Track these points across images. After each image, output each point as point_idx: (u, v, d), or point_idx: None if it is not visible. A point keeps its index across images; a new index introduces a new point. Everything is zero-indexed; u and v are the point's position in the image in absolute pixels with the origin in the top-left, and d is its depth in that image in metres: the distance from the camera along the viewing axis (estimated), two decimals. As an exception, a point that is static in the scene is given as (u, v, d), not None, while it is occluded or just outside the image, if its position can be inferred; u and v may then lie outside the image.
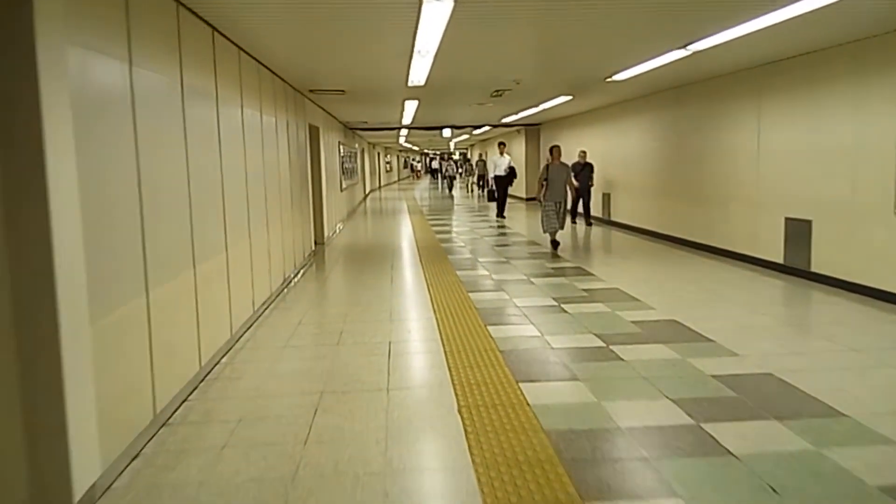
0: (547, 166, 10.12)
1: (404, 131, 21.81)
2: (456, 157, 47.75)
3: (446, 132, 20.71)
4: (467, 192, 28.92)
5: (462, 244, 11.30)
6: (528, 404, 3.82)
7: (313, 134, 11.58)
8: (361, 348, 5.08)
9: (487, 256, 9.75)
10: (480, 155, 28.10)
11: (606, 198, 14.01)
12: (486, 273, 8.29)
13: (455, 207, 20.84)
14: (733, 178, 8.85)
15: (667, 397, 3.89)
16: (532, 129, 21.25)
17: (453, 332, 5.47)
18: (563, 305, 6.35)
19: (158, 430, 3.59)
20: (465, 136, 28.06)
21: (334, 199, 14.00)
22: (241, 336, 5.47)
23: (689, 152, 10.14)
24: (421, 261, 9.44)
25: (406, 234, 13.14)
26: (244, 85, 6.03)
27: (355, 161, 20.76)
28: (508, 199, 25.33)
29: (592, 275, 7.97)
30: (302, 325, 5.89)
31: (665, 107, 10.90)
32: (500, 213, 15.82)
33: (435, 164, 47.18)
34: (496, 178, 16.17)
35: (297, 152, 9.13)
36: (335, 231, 13.61)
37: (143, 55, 3.59)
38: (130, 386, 3.32)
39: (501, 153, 16.35)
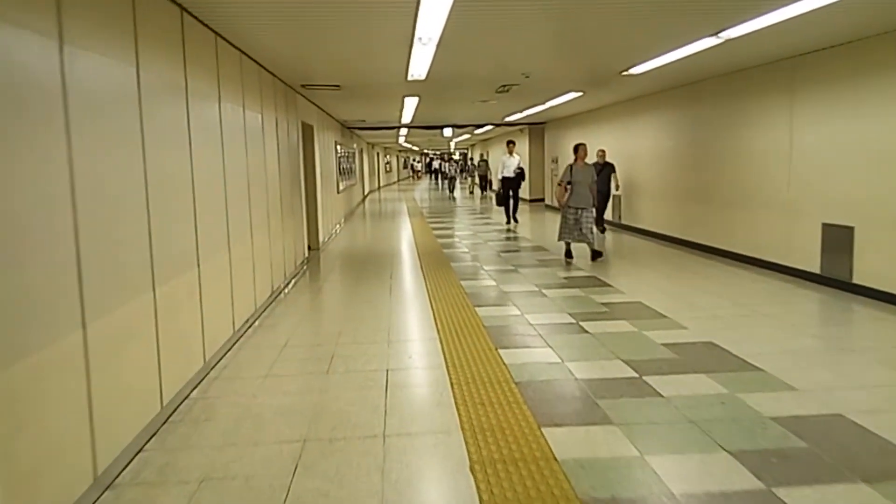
0: (570, 167, 9.03)
1: (404, 131, 21.12)
2: (457, 157, 47.13)
3: (447, 132, 20.02)
4: (469, 193, 27.99)
5: (465, 250, 10.61)
6: (555, 459, 3.13)
7: (307, 133, 10.89)
8: (355, 378, 4.39)
9: (493, 264, 9.05)
10: (482, 154, 27.13)
11: (617, 201, 13.32)
12: (493, 283, 7.60)
13: (457, 209, 20.14)
14: (761, 180, 8.16)
15: (724, 449, 3.20)
16: (536, 129, 20.55)
17: (460, 357, 4.78)
18: (581, 323, 5.66)
19: (100, 495, 2.90)
20: (467, 136, 27.36)
21: (331, 201, 13.31)
22: (217, 362, 4.78)
23: (710, 152, 9.44)
24: (422, 268, 8.75)
25: (406, 239, 12.45)
26: (224, 77, 5.34)
27: (353, 161, 20.08)
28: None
29: (610, 286, 7.28)
30: (288, 348, 5.19)
31: (682, 103, 10.21)
32: (510, 218, 14.48)
33: (436, 165, 46.41)
34: (504, 179, 14.62)
35: (288, 152, 8.44)
36: (332, 235, 12.92)
37: (79, 31, 2.89)
38: (56, 448, 2.63)
39: (510, 153, 14.83)
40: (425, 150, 53.92)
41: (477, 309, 6.29)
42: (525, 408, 3.77)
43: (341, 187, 15.81)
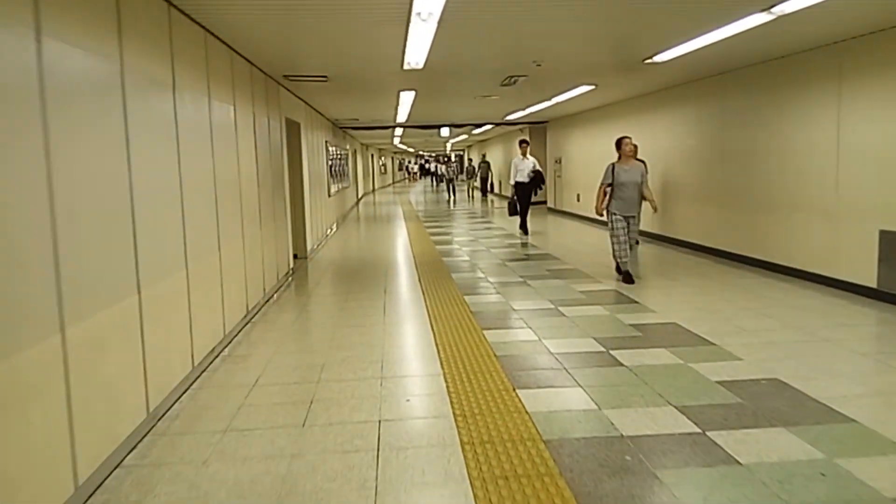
0: (612, 166, 7.46)
1: (399, 131, 20.19)
2: (453, 158, 46.20)
3: (444, 131, 19.11)
4: (468, 196, 26.74)
5: (467, 258, 9.68)
6: (617, 578, 2.20)
7: (292, 131, 9.95)
8: (338, 434, 3.45)
9: (499, 275, 8.12)
10: (483, 155, 25.79)
11: (628, 203, 12.40)
12: (501, 299, 6.68)
13: (455, 213, 19.20)
14: (802, 181, 7.26)
15: (853, 560, 2.27)
16: (537, 128, 19.64)
17: (470, 401, 3.85)
18: (613, 353, 4.73)
19: None
20: (464, 137, 26.44)
21: (321, 205, 12.36)
22: (167, 410, 3.83)
23: (740, 150, 8.53)
24: (420, 282, 7.82)
25: (402, 246, 11.51)
26: (181, 59, 4.40)
27: (346, 163, 19.13)
28: (503, 202, 23.53)
29: (636, 302, 6.36)
30: (259, 388, 4.25)
31: (706, 97, 9.30)
32: (523, 227, 12.73)
33: (433, 167, 45.49)
34: (517, 185, 12.61)
35: (269, 152, 7.50)
36: (321, 241, 11.97)
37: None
38: None
39: (524, 154, 12.85)
40: (420, 152, 53.02)
41: (486, 333, 5.36)
42: (562, 484, 2.84)
43: (333, 190, 14.87)
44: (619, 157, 7.55)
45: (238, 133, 5.93)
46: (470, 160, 28.14)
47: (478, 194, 26.23)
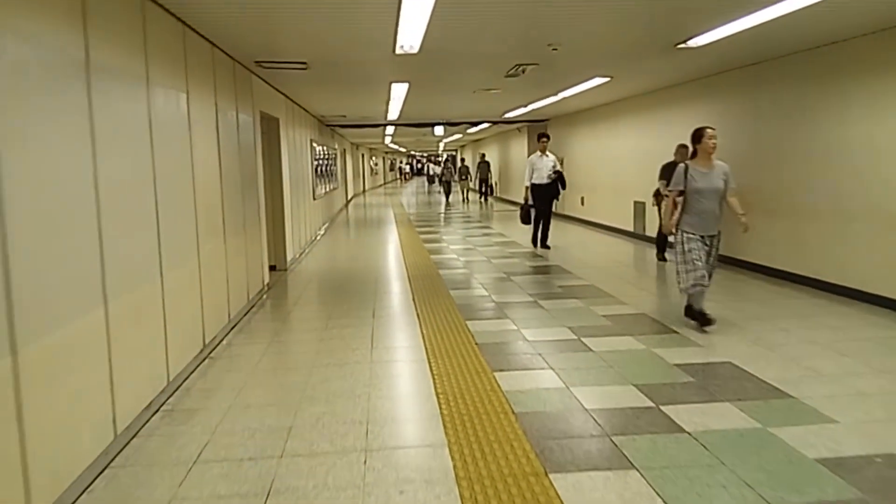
0: (685, 168, 5.39)
1: (390, 129, 19.11)
2: (450, 158, 45.10)
3: (438, 130, 18.04)
4: (463, 200, 24.47)
5: (466, 270, 8.62)
6: None
7: (271, 127, 8.85)
8: (301, 559, 2.38)
9: (506, 293, 7.07)
10: (482, 155, 24.24)
11: (640, 209, 11.39)
12: (512, 326, 5.62)
13: (451, 218, 18.13)
14: (863, 186, 6.25)
15: None
16: (537, 127, 18.59)
17: (489, 492, 2.78)
18: (665, 409, 3.68)
19: None
20: (458, 136, 25.40)
21: (304, 209, 11.27)
22: (86, 488, 2.75)
23: (779, 149, 7.51)
24: (414, 301, 6.75)
25: (393, 255, 10.43)
26: (97, 29, 3.31)
27: (334, 163, 18.03)
28: (503, 206, 21.52)
29: (675, 332, 5.32)
30: (199, 467, 3.16)
31: (738, 89, 8.28)
32: (543, 242, 10.50)
33: (428, 167, 44.41)
34: (534, 187, 10.47)
35: (240, 150, 6.42)
36: (305, 250, 10.87)
37: None
38: None
39: (543, 151, 10.60)
40: (412, 152, 51.98)
41: (497, 376, 4.30)
42: None
43: (319, 192, 13.77)
44: (694, 155, 5.47)
45: (193, 127, 4.84)
46: (463, 159, 26.38)
47: (473, 196, 24.96)
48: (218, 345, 5.25)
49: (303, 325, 6.12)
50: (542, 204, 10.55)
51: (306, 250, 11.11)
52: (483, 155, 23.95)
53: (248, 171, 6.88)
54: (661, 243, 9.07)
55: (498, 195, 23.74)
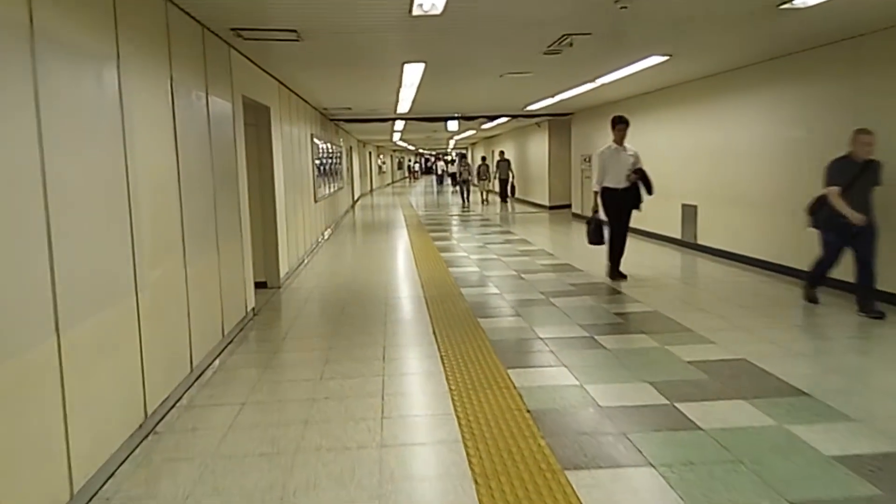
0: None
1: (399, 125, 17.65)
2: (453, 156, 43.48)
3: (452, 125, 16.55)
4: (483, 200, 22.18)
5: (495, 290, 7.14)
6: None
7: (259, 117, 7.42)
8: None
9: (551, 323, 5.59)
10: (502, 153, 21.82)
11: (690, 213, 9.88)
12: (573, 381, 4.15)
13: (467, 221, 16.63)
14: None
15: None
16: (559, 121, 17.12)
17: None
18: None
19: None
20: (470, 133, 23.91)
21: (303, 214, 9.83)
22: None
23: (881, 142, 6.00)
24: (435, 336, 5.29)
25: (405, 267, 8.97)
26: None
27: (340, 161, 16.59)
28: (522, 207, 19.33)
29: (809, 397, 3.84)
30: None
31: (833, 71, 6.76)
32: (615, 268, 7.59)
33: (439, 165, 42.84)
34: (609, 193, 7.50)
35: (211, 143, 4.97)
36: (303, 260, 9.43)
37: None
38: None
39: (620, 142, 7.59)
40: (420, 150, 50.51)
41: (572, 477, 2.83)
42: None
43: (321, 194, 12.33)
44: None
45: (129, 111, 3.39)
46: (483, 157, 24.08)
47: (493, 198, 22.42)
48: (171, 408, 3.81)
49: (290, 375, 4.64)
50: (617, 216, 7.45)
51: (305, 261, 9.67)
52: (502, 153, 21.86)
53: (225, 170, 5.43)
54: (818, 276, 6.02)
55: (517, 196, 21.74)
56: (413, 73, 7.82)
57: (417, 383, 4.28)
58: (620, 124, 7.59)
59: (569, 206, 16.96)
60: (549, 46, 6.24)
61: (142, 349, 3.44)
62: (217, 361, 4.79)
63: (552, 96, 11.37)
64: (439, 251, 10.39)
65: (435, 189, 35.27)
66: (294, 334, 5.62)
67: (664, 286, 7.23)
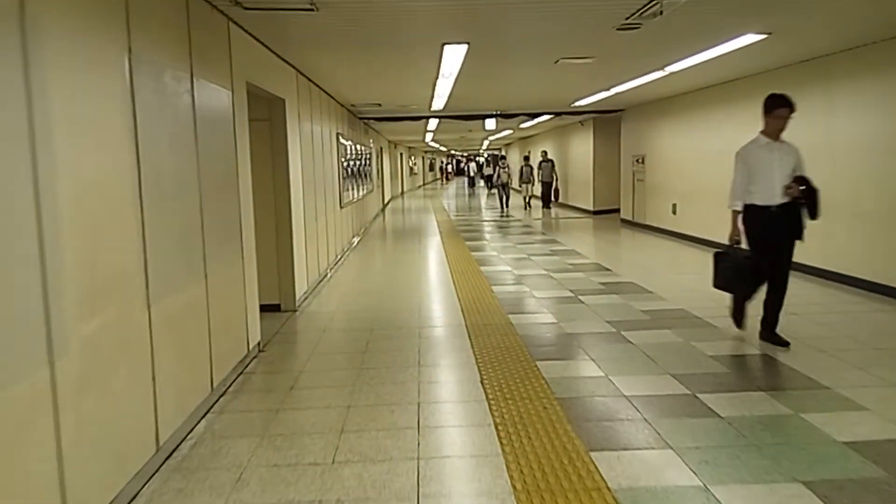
0: None
1: (433, 124, 16.48)
2: (485, 157, 42.03)
3: (490, 124, 15.33)
4: (525, 205, 19.76)
5: (551, 319, 5.88)
6: None
7: (273, 111, 6.31)
8: None
9: (631, 371, 4.33)
10: (545, 153, 19.58)
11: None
12: (694, 480, 2.89)
13: (508, 229, 15.36)
14: None
15: None
16: (605, 119, 15.76)
17: None
18: None
19: None
20: (506, 133, 22.62)
21: (326, 223, 8.72)
22: None
23: None
24: (484, 385, 4.10)
25: (441, 286, 7.76)
26: None
27: (369, 163, 15.50)
28: (564, 212, 17.22)
29: None
30: None
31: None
32: (771, 332, 4.93)
33: (471, 167, 41.58)
34: (757, 213, 4.81)
35: (197, 142, 3.84)
36: (326, 275, 8.31)
37: None
38: None
39: (777, 136, 4.86)
40: (452, 151, 49.34)
41: None
42: None
43: (348, 199, 11.22)
44: None
45: (42, 93, 2.25)
46: (526, 157, 21.02)
47: (535, 203, 20.12)
48: (148, 481, 2.67)
49: (293, 451, 3.41)
50: (769, 249, 4.80)
51: (329, 275, 8.54)
52: (545, 153, 19.79)
53: (219, 173, 4.30)
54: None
55: (560, 201, 19.74)
56: (453, 59, 6.61)
57: (466, 475, 3.07)
58: (781, 108, 4.75)
59: (616, 211, 15.60)
60: (629, 19, 4.97)
61: (60, 447, 2.30)
62: (202, 424, 3.65)
63: (607, 89, 10.08)
64: (478, 264, 9.17)
65: (466, 192, 33.97)
66: (305, 382, 4.44)
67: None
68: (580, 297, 6.82)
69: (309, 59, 6.61)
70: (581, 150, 17.89)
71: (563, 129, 19.66)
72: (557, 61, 7.03)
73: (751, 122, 9.06)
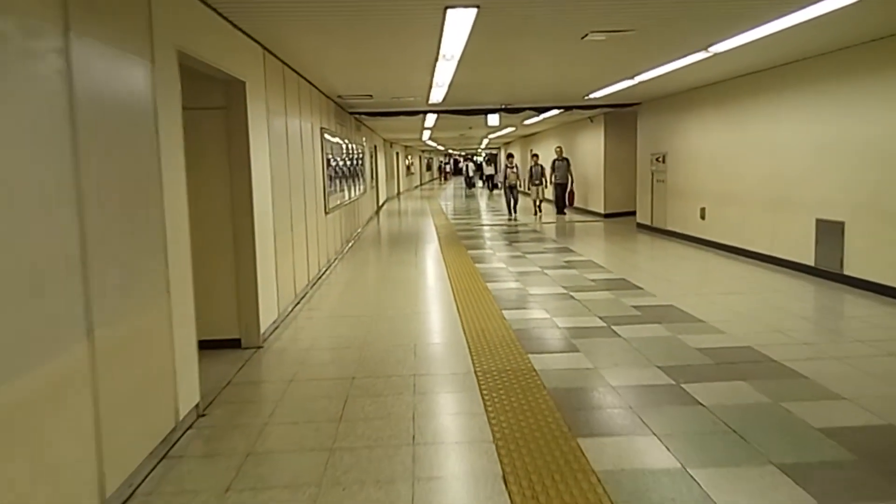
0: None
1: (430, 121, 15.15)
2: (483, 156, 40.63)
3: (493, 119, 13.98)
4: (536, 211, 16.88)
5: (585, 359, 4.57)
6: None
7: (228, 95, 4.99)
8: None
9: (706, 447, 3.03)
10: (560, 150, 16.85)
11: (831, 231, 7.18)
12: None
13: (518, 237, 14.03)
14: None
15: None
16: (618, 115, 14.48)
17: None
18: None
19: None
20: (509, 129, 21.30)
21: (308, 233, 7.41)
22: None
23: None
24: (506, 481, 2.78)
25: (442, 311, 6.44)
26: None
27: (361, 163, 14.19)
28: (572, 215, 15.00)
29: None
30: None
31: None
32: None
33: (467, 166, 40.22)
34: None
35: (84, 135, 2.52)
36: (305, 294, 6.99)
37: None
38: None
39: None
40: (450, 150, 47.98)
41: None
42: None
43: (335, 203, 9.91)
44: None
45: None
46: (536, 156, 17.83)
47: (546, 208, 17.61)
48: None
49: None
50: None
51: (309, 293, 7.23)
52: (560, 149, 16.94)
53: (126, 183, 2.97)
54: None
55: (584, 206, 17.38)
56: (457, 31, 5.28)
57: None
58: None
59: (630, 214, 14.31)
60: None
61: None
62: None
63: (630, 77, 8.77)
64: (483, 279, 7.85)
65: (465, 193, 32.56)
66: (250, 475, 3.11)
67: (856, 358, 4.58)
68: (614, 327, 5.51)
69: (279, 31, 5.29)
70: (590, 148, 16.58)
71: (569, 125, 18.35)
72: (585, 36, 5.70)
73: (803, 114, 7.84)
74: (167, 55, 3.53)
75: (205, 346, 5.04)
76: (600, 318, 5.84)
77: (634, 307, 6.22)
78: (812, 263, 7.50)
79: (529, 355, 4.74)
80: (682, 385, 4.04)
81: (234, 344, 5.17)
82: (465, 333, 5.39)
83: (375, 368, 4.60)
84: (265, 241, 5.54)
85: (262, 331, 5.28)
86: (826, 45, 6.78)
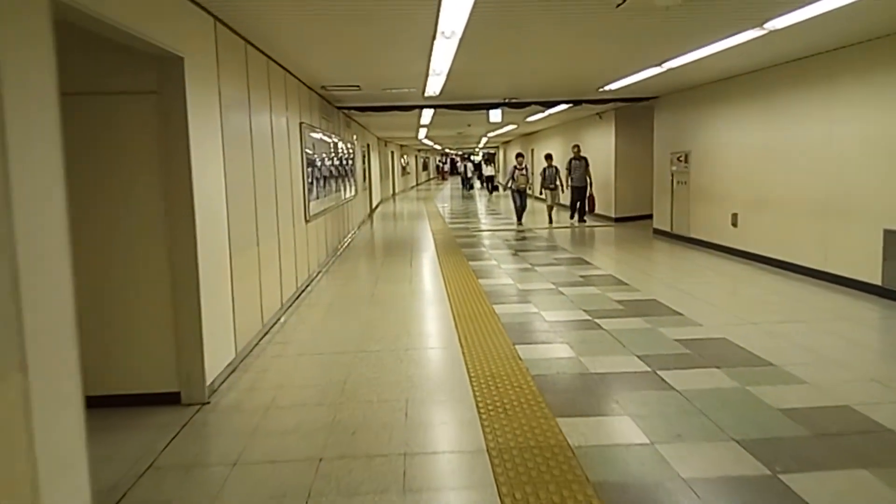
0: None
1: (427, 116, 13.92)
2: (481, 156, 39.29)
3: (495, 116, 12.77)
4: (549, 218, 14.90)
5: (642, 435, 3.38)
6: None
7: (161, 75, 3.79)
8: None
9: None
10: (577, 149, 14.53)
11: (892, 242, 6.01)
12: None
13: (523, 242, 12.81)
14: None
15: None
16: (630, 110, 13.32)
17: None
18: None
19: None
20: (510, 127, 20.10)
21: (281, 246, 6.21)
22: None
23: None
24: None
25: (440, 344, 5.23)
26: None
27: (352, 162, 12.99)
28: (595, 220, 13.12)
29: None
30: None
31: None
32: None
33: (464, 167, 38.95)
34: None
35: None
36: (273, 324, 5.78)
37: None
38: None
39: None
40: (447, 150, 46.79)
41: None
42: None
43: (319, 208, 8.71)
44: None
45: None
46: (549, 156, 15.45)
47: (562, 215, 15.61)
48: None
49: None
50: None
51: (283, 319, 6.03)
52: (576, 148, 14.63)
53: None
54: None
55: (562, 203, 15.81)
56: (457, 5, 4.09)
57: None
58: None
59: (643, 219, 13.14)
60: None
61: None
62: None
63: (659, 64, 7.59)
64: (489, 300, 6.66)
65: (462, 194, 31.22)
66: None
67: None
68: (660, 372, 4.32)
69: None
70: (599, 147, 15.37)
71: (575, 122, 17.18)
72: (622, 3, 4.50)
73: (867, 106, 6.63)
74: (33, 9, 2.32)
75: (130, 402, 3.85)
76: (639, 357, 4.65)
77: (679, 342, 5.02)
78: (879, 282, 6.33)
79: (559, 420, 3.55)
80: (782, 477, 2.86)
81: (173, 399, 3.98)
82: (471, 383, 4.20)
83: (352, 442, 3.40)
84: (217, 262, 4.35)
85: (209, 381, 4.08)
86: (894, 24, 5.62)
